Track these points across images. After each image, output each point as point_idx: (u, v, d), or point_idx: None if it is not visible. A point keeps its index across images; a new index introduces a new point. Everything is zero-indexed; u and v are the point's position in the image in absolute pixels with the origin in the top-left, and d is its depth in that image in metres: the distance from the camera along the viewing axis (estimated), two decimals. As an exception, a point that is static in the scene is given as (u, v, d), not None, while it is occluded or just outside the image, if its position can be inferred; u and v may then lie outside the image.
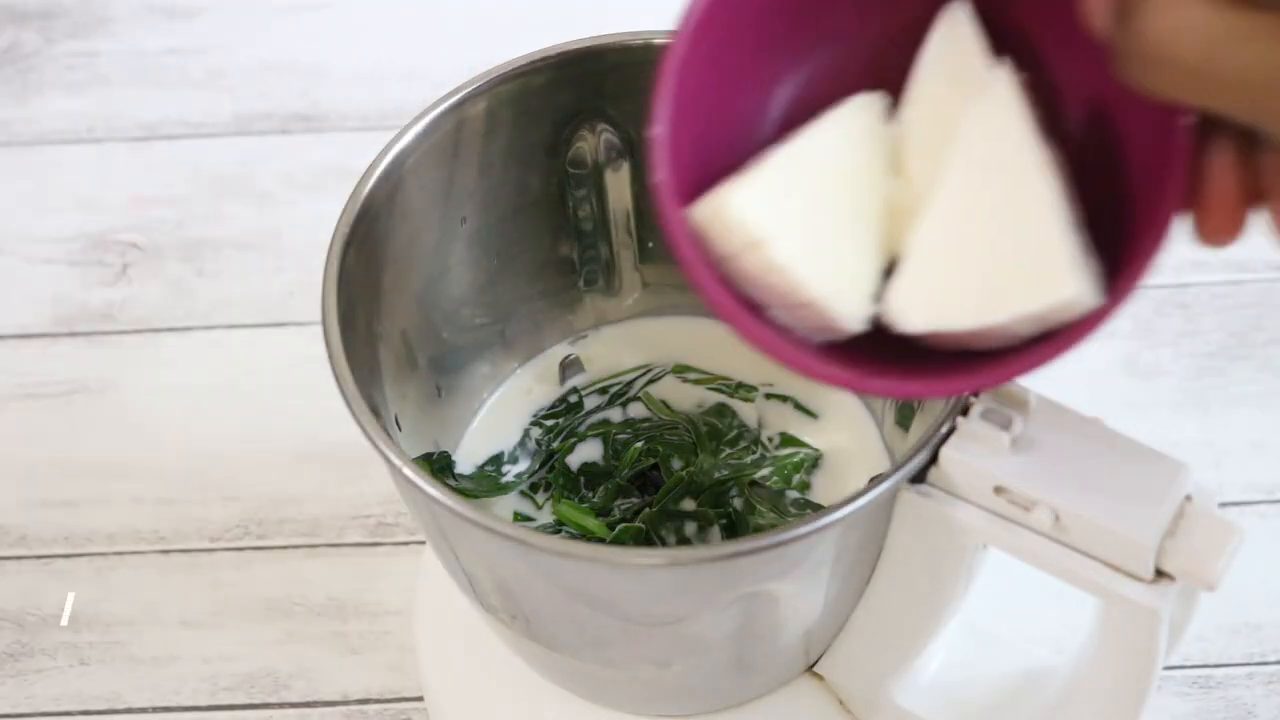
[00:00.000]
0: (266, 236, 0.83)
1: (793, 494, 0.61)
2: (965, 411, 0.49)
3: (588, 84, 0.58)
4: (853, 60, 0.48)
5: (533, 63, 0.57)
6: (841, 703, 0.60)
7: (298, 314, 0.80)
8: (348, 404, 0.50)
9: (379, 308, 0.56)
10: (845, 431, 0.62)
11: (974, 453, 0.48)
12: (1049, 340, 0.43)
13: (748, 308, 0.45)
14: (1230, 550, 0.47)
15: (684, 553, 0.49)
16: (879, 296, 0.46)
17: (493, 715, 0.62)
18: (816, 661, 0.59)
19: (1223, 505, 0.71)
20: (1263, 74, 0.36)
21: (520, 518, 0.61)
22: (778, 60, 0.48)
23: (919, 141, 0.47)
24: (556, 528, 0.60)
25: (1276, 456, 0.73)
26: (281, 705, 0.68)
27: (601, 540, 0.59)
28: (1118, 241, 0.44)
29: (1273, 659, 0.68)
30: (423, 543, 0.71)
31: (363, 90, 0.88)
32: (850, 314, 0.46)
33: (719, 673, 0.57)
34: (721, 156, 0.47)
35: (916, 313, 0.45)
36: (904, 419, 0.59)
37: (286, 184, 0.85)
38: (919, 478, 0.50)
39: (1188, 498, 0.48)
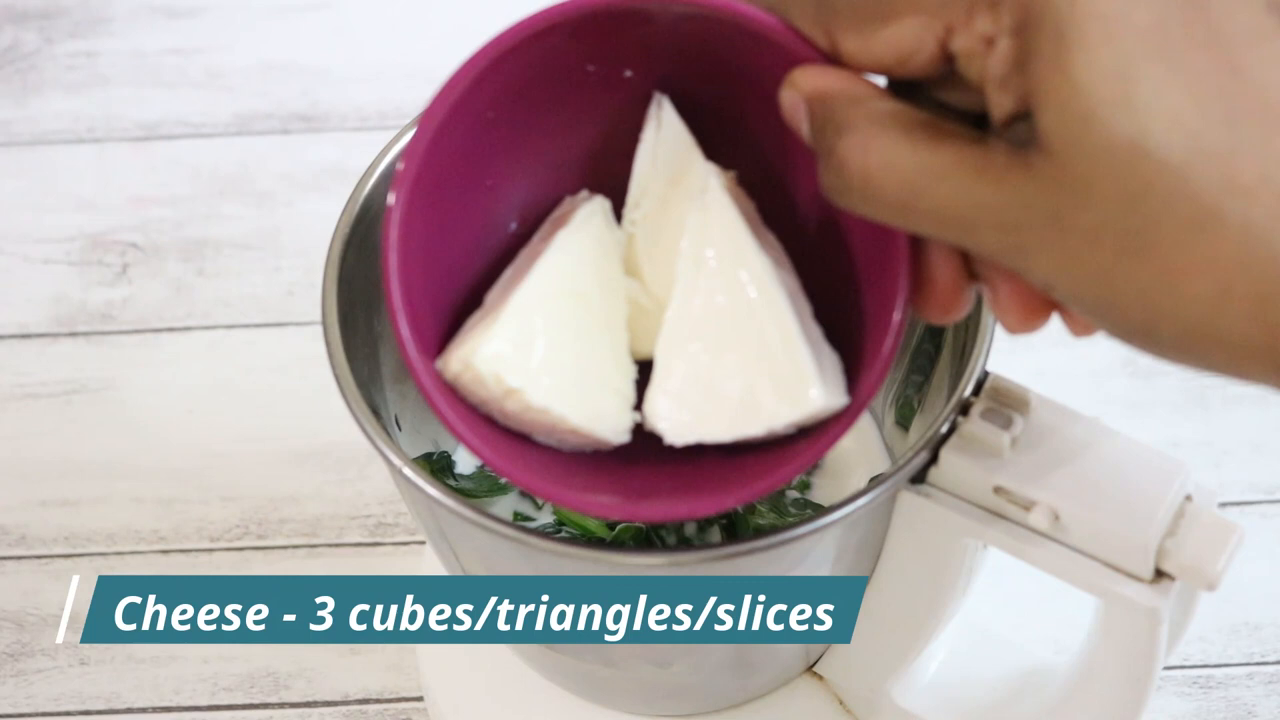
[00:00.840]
0: (266, 236, 0.83)
1: (793, 494, 0.61)
2: (965, 411, 0.49)
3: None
4: (574, 168, 0.50)
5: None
6: (841, 703, 0.60)
7: (298, 314, 0.80)
8: (348, 404, 0.50)
9: (379, 308, 0.56)
10: (845, 431, 0.62)
11: (974, 452, 0.48)
12: (809, 440, 0.45)
13: (513, 438, 0.47)
14: (1230, 550, 0.47)
15: (684, 553, 0.49)
16: (637, 404, 0.48)
17: (493, 715, 0.62)
18: (816, 661, 0.59)
19: (1223, 505, 0.71)
20: (957, 210, 0.38)
21: (520, 518, 0.61)
22: (496, 192, 0.49)
23: (647, 242, 0.48)
24: (556, 528, 0.60)
25: (1276, 456, 0.73)
26: (281, 705, 0.68)
27: (601, 540, 0.59)
28: (858, 322, 0.46)
29: (1273, 659, 0.68)
30: (423, 543, 0.71)
31: (363, 90, 0.88)
32: (614, 429, 0.47)
33: (719, 673, 0.57)
34: (462, 282, 0.48)
35: (674, 429, 0.46)
36: (904, 419, 0.59)
37: (286, 184, 0.85)
38: (919, 478, 0.50)
39: (1188, 498, 0.48)
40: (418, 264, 0.46)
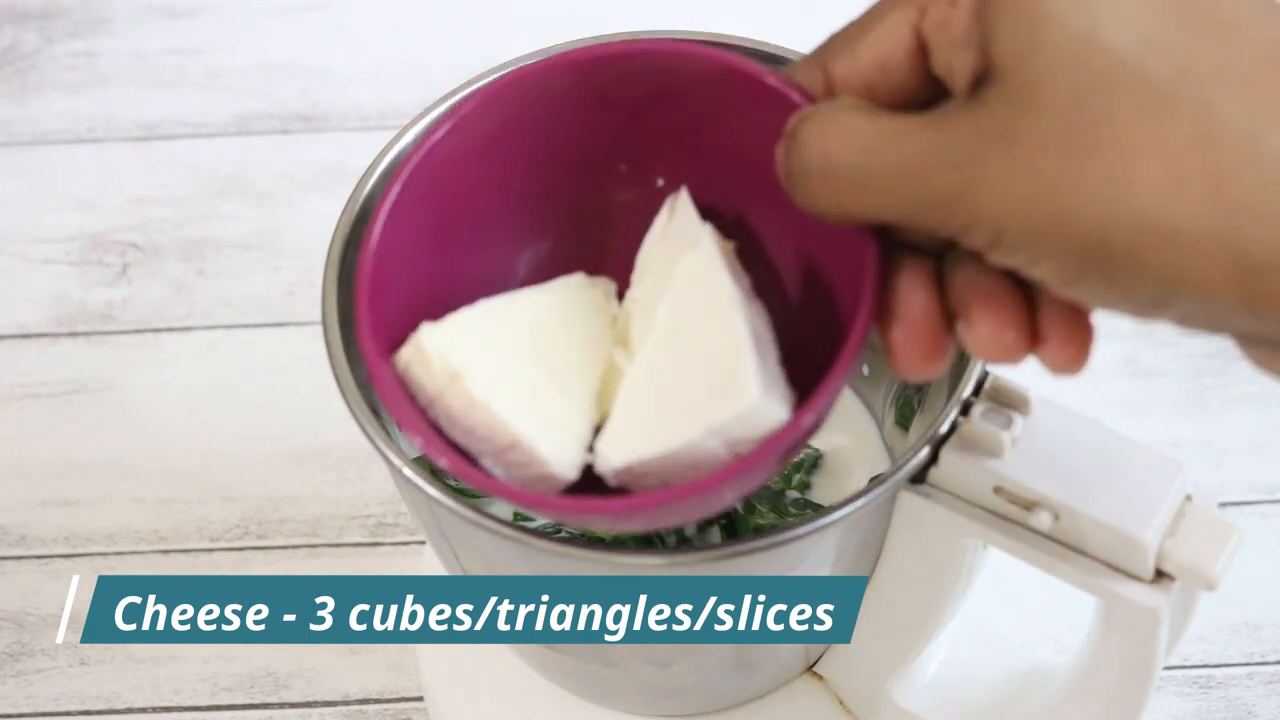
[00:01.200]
0: (266, 236, 0.83)
1: (793, 494, 0.61)
2: (965, 411, 0.49)
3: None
4: (580, 246, 0.50)
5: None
6: (841, 703, 0.60)
7: (298, 314, 0.80)
8: (348, 404, 0.50)
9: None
10: (845, 431, 0.62)
11: (974, 453, 0.48)
12: (743, 457, 0.43)
13: (462, 456, 0.45)
14: (1230, 550, 0.47)
15: (684, 553, 0.49)
16: (591, 448, 0.46)
17: (493, 715, 0.62)
18: (816, 661, 0.59)
19: (1223, 505, 0.71)
20: (908, 166, 0.38)
21: (520, 518, 0.61)
22: (495, 244, 0.49)
23: (641, 318, 0.48)
24: (556, 528, 0.60)
25: (1276, 456, 0.73)
26: (281, 705, 0.68)
27: (601, 540, 0.59)
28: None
29: (1273, 659, 0.68)
30: (423, 543, 0.71)
31: (363, 90, 0.88)
32: (559, 458, 0.45)
33: (719, 673, 0.57)
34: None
35: (613, 451, 0.44)
36: (904, 419, 0.59)
37: (286, 184, 0.85)
38: (919, 478, 0.50)
39: (1188, 498, 0.48)
40: (398, 278, 0.46)
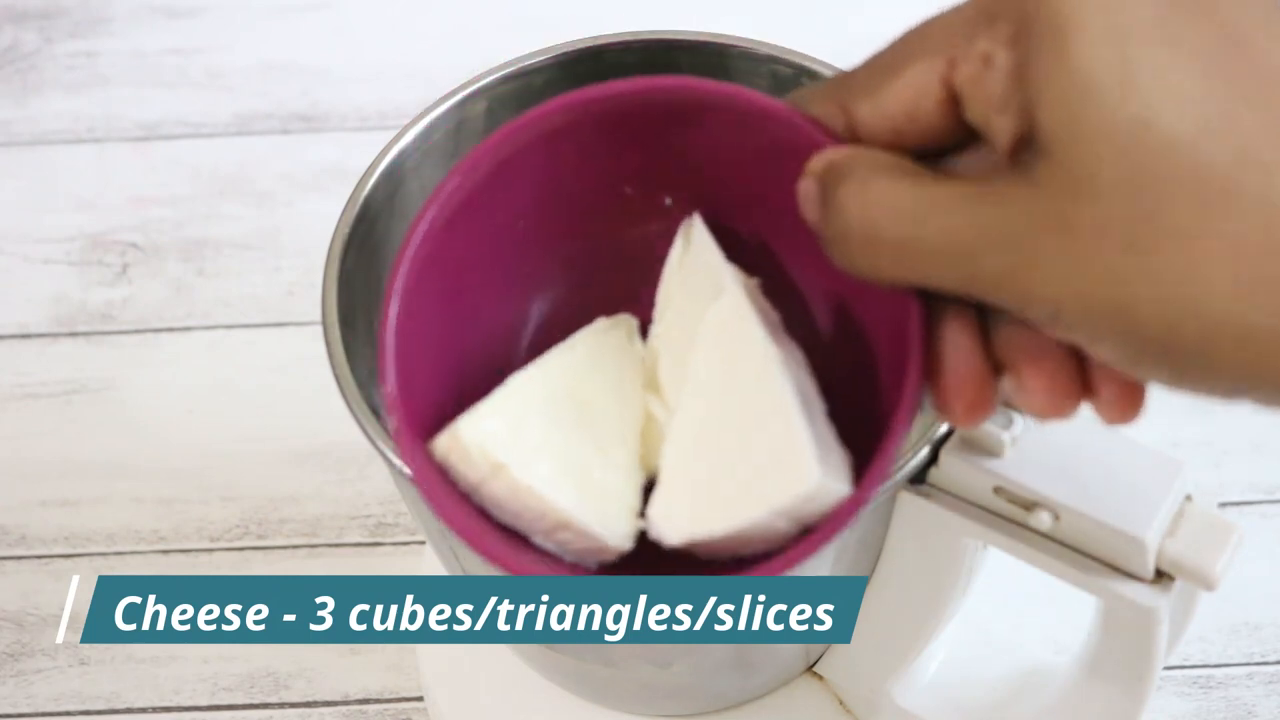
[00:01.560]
0: (266, 236, 0.83)
1: (793, 494, 0.61)
2: (965, 411, 0.49)
3: (587, 84, 0.58)
4: (596, 283, 0.48)
5: (533, 63, 0.57)
6: (841, 703, 0.60)
7: (298, 314, 0.80)
8: (348, 404, 0.50)
9: (379, 308, 0.56)
10: (845, 431, 0.62)
11: (974, 453, 0.48)
12: (810, 534, 0.42)
13: (511, 539, 0.44)
14: (1230, 550, 0.47)
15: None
16: (643, 513, 0.45)
17: (493, 715, 0.62)
18: (816, 661, 0.59)
19: (1223, 505, 0.71)
20: (957, 241, 0.36)
21: (520, 518, 0.61)
22: (510, 294, 0.48)
23: (669, 356, 0.47)
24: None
25: (1276, 456, 0.73)
26: (281, 705, 0.68)
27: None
28: (876, 429, 0.43)
29: (1273, 659, 0.68)
30: (423, 543, 0.71)
31: (363, 90, 0.88)
32: (613, 531, 0.45)
33: (719, 673, 0.57)
34: (469, 383, 0.46)
35: (673, 526, 0.43)
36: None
37: (286, 184, 0.85)
38: (919, 478, 0.50)
39: (1187, 498, 0.48)
40: (420, 350, 0.44)
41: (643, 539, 0.45)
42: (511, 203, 0.46)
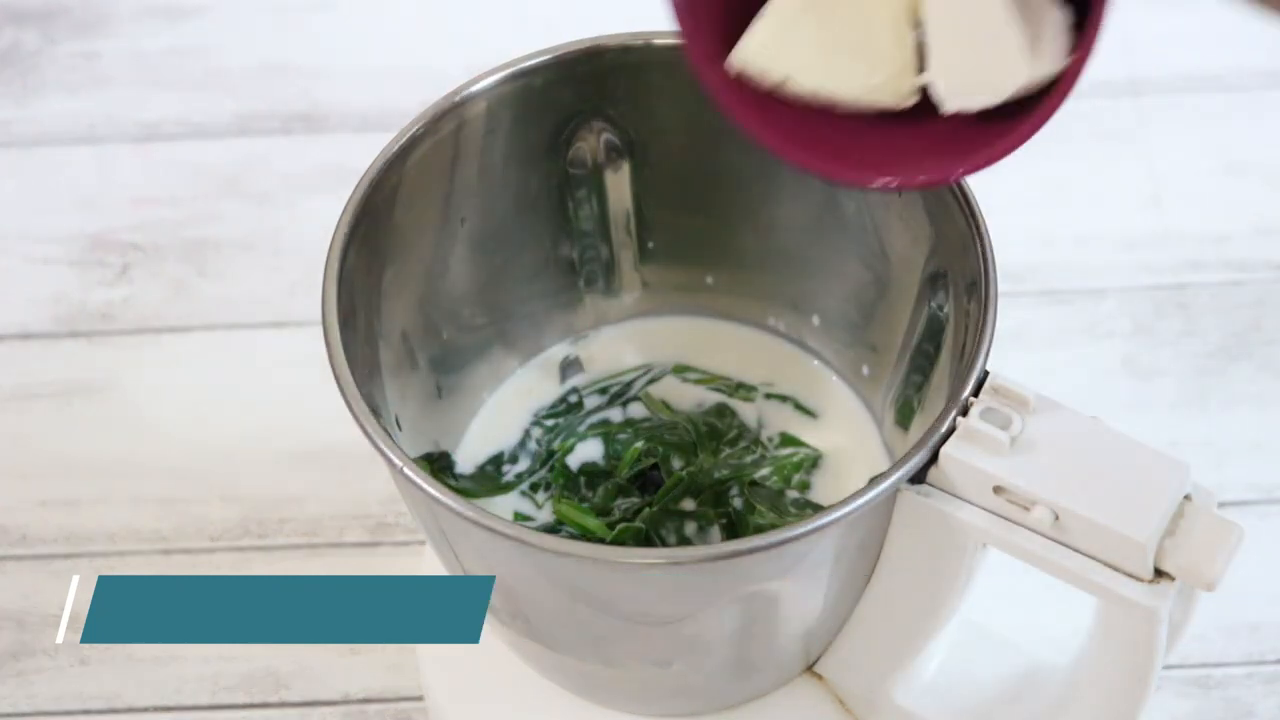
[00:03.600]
0: (266, 236, 0.83)
1: (793, 494, 0.61)
2: (965, 411, 0.49)
3: (588, 84, 0.58)
4: None
5: (533, 63, 0.57)
6: (841, 703, 0.60)
7: (298, 314, 0.80)
8: (348, 404, 0.50)
9: (379, 308, 0.56)
10: (845, 431, 0.62)
11: (974, 452, 0.48)
12: (1043, 99, 0.46)
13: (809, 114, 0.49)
14: (1230, 550, 0.47)
15: (684, 553, 0.49)
16: (919, 67, 0.49)
17: (493, 715, 0.62)
18: (816, 661, 0.59)
19: (1223, 505, 0.70)
20: None
21: (520, 518, 0.61)
22: None
23: None
24: (556, 528, 0.60)
25: (1276, 456, 0.73)
26: (281, 705, 0.68)
27: (601, 540, 0.59)
28: None
29: (1272, 659, 0.68)
30: (423, 543, 0.71)
31: (363, 90, 0.88)
32: (896, 93, 0.49)
33: (719, 673, 0.57)
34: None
35: (953, 99, 0.48)
36: (904, 419, 0.59)
37: (286, 184, 0.85)
38: (919, 478, 0.50)
39: (1187, 498, 0.48)
40: None
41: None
42: None
